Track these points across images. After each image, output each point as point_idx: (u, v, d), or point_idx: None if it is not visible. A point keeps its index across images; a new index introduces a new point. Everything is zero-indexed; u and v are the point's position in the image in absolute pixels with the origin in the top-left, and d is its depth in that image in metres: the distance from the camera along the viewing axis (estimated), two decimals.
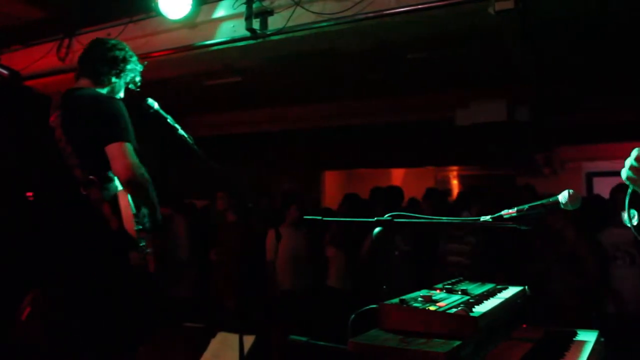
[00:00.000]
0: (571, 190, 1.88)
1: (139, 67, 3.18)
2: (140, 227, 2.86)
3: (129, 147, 2.75)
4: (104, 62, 3.03)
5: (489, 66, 6.05)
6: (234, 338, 3.18)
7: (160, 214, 3.00)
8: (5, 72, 5.79)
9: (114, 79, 3.06)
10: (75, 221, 2.80)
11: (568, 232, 4.97)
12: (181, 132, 2.95)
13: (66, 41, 5.44)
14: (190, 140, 2.94)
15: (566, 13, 4.31)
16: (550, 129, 7.92)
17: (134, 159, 2.74)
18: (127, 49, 3.13)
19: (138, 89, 3.20)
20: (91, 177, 2.75)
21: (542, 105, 6.91)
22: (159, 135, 2.79)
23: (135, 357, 3.20)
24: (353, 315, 2.01)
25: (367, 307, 1.99)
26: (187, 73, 5.88)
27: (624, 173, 1.71)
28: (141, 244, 2.83)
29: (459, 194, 7.76)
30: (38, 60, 5.56)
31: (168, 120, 2.97)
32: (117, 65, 3.05)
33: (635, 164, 1.68)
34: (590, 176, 10.46)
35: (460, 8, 3.99)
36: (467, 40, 5.02)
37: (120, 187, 2.87)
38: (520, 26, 4.27)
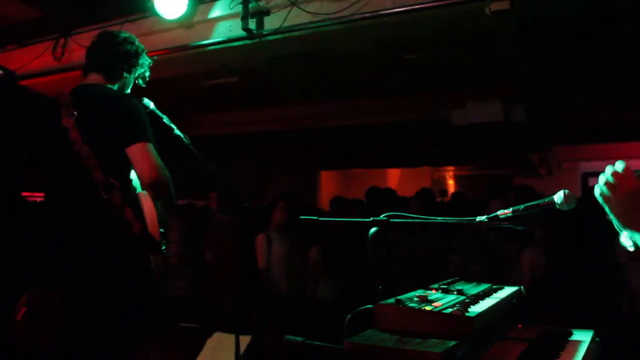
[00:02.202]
0: (567, 191, 1.87)
1: (148, 61, 3.05)
2: (163, 230, 2.74)
3: (151, 147, 2.63)
4: (116, 57, 2.88)
5: (485, 66, 6.06)
6: (230, 338, 3.17)
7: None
8: (0, 71, 5.77)
9: (125, 74, 2.92)
10: (96, 225, 2.63)
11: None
12: (177, 132, 2.91)
13: (62, 41, 5.42)
14: (186, 140, 2.90)
15: (562, 14, 4.32)
16: (546, 129, 7.94)
17: (158, 160, 2.62)
18: (137, 42, 2.99)
19: (145, 85, 3.08)
20: (112, 179, 2.59)
21: (538, 105, 6.93)
22: (155, 136, 2.72)
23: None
24: (349, 315, 2.01)
25: (363, 307, 1.99)
26: (183, 73, 5.86)
27: (597, 189, 1.54)
28: (164, 247, 2.72)
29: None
30: (34, 59, 5.53)
31: (164, 120, 2.92)
32: (129, 60, 2.91)
33: (611, 179, 1.51)
34: (586, 176, 10.50)
35: (456, 8, 3.99)
36: (464, 41, 5.03)
37: (139, 189, 2.74)
38: (516, 27, 4.28)
